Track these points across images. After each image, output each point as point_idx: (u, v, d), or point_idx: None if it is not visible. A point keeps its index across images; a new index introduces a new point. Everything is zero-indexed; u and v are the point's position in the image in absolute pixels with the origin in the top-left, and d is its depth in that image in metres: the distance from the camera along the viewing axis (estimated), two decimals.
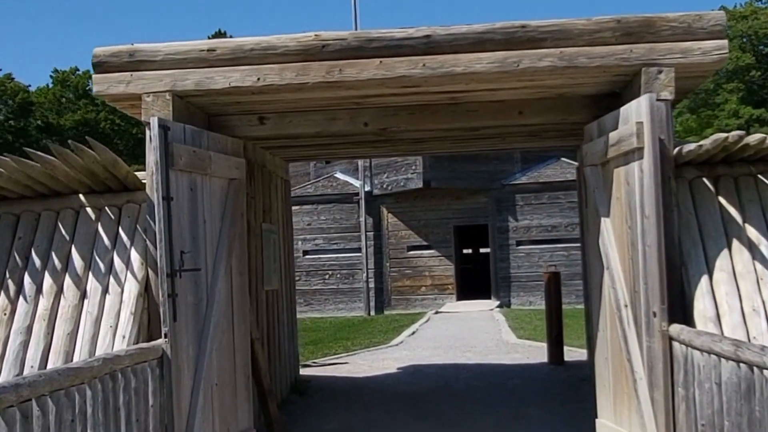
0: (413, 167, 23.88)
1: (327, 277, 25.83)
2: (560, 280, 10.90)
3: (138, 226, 6.38)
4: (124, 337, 5.91)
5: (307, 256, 26.02)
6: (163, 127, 5.85)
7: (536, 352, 12.24)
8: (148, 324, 6.16)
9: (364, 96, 6.70)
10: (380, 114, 7.16)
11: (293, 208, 26.76)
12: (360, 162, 25.26)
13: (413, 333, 16.67)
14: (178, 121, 6.17)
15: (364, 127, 7.19)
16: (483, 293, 25.58)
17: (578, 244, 24.30)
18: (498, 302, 24.32)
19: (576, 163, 24.29)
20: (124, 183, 6.43)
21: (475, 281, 27.76)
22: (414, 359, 12.09)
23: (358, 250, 25.35)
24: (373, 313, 25.00)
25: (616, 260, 6.32)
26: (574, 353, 11.60)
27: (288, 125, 7.17)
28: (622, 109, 6.13)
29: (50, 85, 52.56)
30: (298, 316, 25.86)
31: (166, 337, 5.68)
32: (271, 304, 8.78)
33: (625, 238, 6.15)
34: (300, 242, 25.85)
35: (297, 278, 26.03)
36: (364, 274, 25.11)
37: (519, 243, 24.59)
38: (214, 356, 6.23)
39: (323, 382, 10.34)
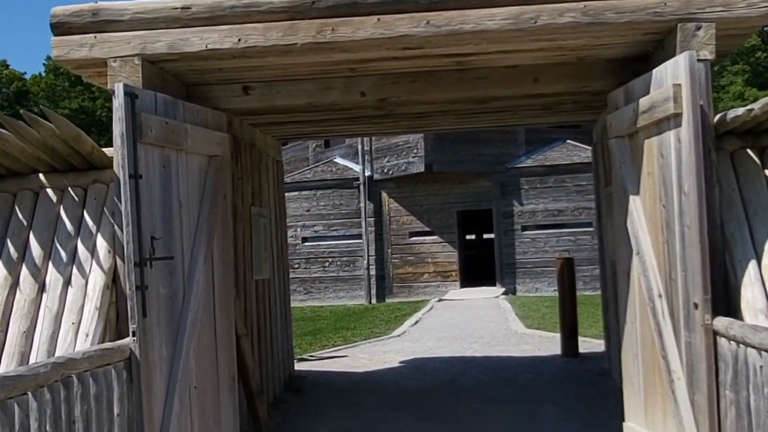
0: (414, 150, 23.13)
1: (327, 264, 25.12)
2: (573, 266, 10.15)
3: (105, 210, 5.63)
4: (87, 335, 5.18)
5: (306, 243, 25.30)
6: (130, 94, 5.09)
7: (547, 343, 11.51)
8: (116, 320, 5.42)
9: (360, 61, 5.93)
10: (379, 82, 6.39)
11: (291, 194, 26.18)
12: (360, 146, 24.51)
13: (416, 322, 15.95)
14: (150, 90, 5.42)
15: (362, 97, 6.42)
16: (487, 280, 24.86)
17: (586, 229, 23.77)
18: (503, 289, 23.61)
19: (583, 146, 23.61)
20: (90, 160, 5.68)
21: (479, 268, 27.05)
22: (417, 351, 11.37)
23: (359, 236, 24.62)
24: (374, 301, 24.30)
25: (647, 244, 5.57)
26: (588, 344, 10.89)
27: (276, 96, 6.41)
28: (655, 70, 5.37)
29: (43, 74, 51.69)
30: (298, 304, 25.28)
31: (134, 335, 4.95)
32: (262, 295, 8.04)
33: (658, 219, 5.40)
34: (299, 229, 25.15)
35: (296, 266, 25.34)
36: (365, 262, 24.39)
37: (524, 228, 23.86)
38: (192, 356, 5.50)
39: (320, 378, 9.62)
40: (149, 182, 5.20)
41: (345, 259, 24.97)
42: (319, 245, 25.19)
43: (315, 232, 25.20)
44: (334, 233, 25.08)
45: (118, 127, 5.07)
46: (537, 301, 20.49)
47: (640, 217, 5.67)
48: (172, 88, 5.98)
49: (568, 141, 24.73)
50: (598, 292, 23.22)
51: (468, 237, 27.52)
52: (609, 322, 8.87)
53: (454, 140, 23.18)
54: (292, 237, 25.28)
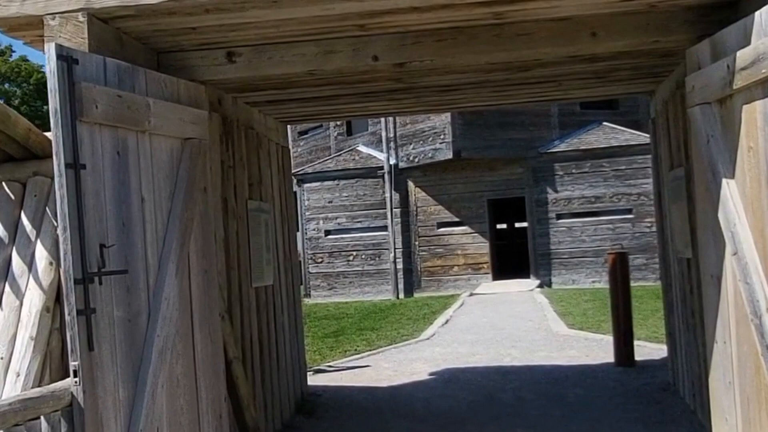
0: (442, 136, 21.81)
1: (351, 258, 23.92)
2: (628, 261, 8.80)
3: (48, 210, 4.43)
4: (18, 374, 3.99)
5: (329, 237, 24.13)
6: (66, 57, 3.86)
7: (595, 348, 10.18)
8: (61, 353, 4.23)
9: (370, 14, 4.65)
10: (396, 43, 5.10)
11: (313, 184, 24.95)
12: (383, 133, 23.25)
13: (446, 321, 14.67)
14: (100, 55, 4.19)
15: (374, 62, 5.14)
16: (521, 272, 23.52)
17: (625, 216, 22.29)
18: (537, 282, 22.26)
19: (620, 128, 22.13)
20: (28, 147, 4.47)
21: (511, 259, 25.70)
22: (449, 359, 10.09)
23: (384, 228, 23.38)
24: (401, 296, 23.06)
25: (749, 242, 4.25)
26: (643, 349, 9.54)
27: (267, 63, 5.15)
28: (759, 13, 4.04)
29: None
30: (321, 300, 24.07)
31: (75, 375, 3.74)
32: (265, 305, 6.82)
33: (765, 209, 4.09)
34: (321, 221, 23.99)
35: (319, 260, 24.17)
36: (391, 255, 23.15)
37: (559, 216, 22.48)
38: (162, 394, 4.28)
39: (338, 395, 8.38)
40: (96, 173, 3.98)
41: (370, 252, 23.75)
42: (342, 238, 24.00)
43: (338, 224, 24.01)
44: (359, 225, 23.87)
45: (51, 102, 3.85)
46: (575, 294, 19.13)
47: (737, 206, 4.35)
48: (134, 55, 4.75)
49: (605, 123, 23.30)
50: (640, 284, 22.00)
51: (498, 226, 26.16)
52: (673, 327, 7.55)
53: (484, 124, 21.85)
54: (314, 230, 24.13)
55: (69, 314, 3.76)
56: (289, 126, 8.75)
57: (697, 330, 6.05)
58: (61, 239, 3.80)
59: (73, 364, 3.75)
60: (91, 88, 3.94)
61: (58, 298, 4.23)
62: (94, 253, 3.89)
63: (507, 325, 13.57)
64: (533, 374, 8.72)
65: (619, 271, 8.70)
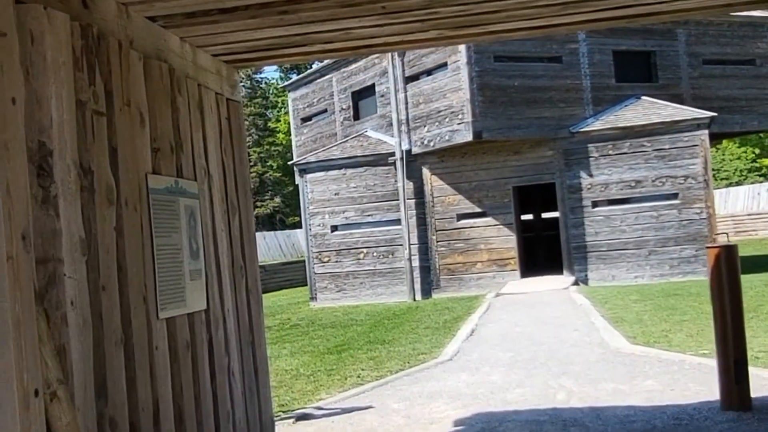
0: (460, 116, 19.16)
1: (361, 256, 21.37)
2: (736, 258, 6.12)
3: None
4: None
5: (336, 233, 21.60)
6: None
7: (678, 376, 7.51)
8: None
9: None
10: None
11: (317, 175, 22.21)
12: (394, 114, 20.63)
13: (472, 332, 12.06)
14: None
15: None
16: (552, 268, 20.91)
17: (671, 202, 19.35)
18: (572, 278, 19.63)
19: (662, 102, 19.27)
20: None
21: (541, 254, 23.07)
22: (480, 396, 7.44)
23: (398, 222, 20.82)
24: (418, 297, 20.49)
25: None
26: (754, 379, 6.81)
27: None
28: None
29: None
30: (329, 304, 21.36)
31: None
32: (187, 346, 4.20)
33: None
34: (327, 216, 21.46)
35: (326, 259, 21.58)
36: (406, 251, 20.57)
37: (595, 204, 19.83)
38: None
39: None
40: None
41: (382, 249, 21.20)
42: (351, 234, 21.48)
43: (346, 218, 21.47)
44: (369, 219, 21.33)
45: None
46: (618, 293, 16.47)
47: None
48: None
49: (644, 97, 20.61)
50: (690, 278, 19.21)
51: (526, 217, 23.51)
52: None
53: (508, 101, 19.23)
54: (319, 226, 21.60)
55: None
56: (244, 72, 6.11)
57: None
58: None
59: None
60: None
61: None
62: None
63: (547, 336, 10.93)
64: (606, 424, 6.06)
65: (726, 274, 6.01)
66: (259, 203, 53.75)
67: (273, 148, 55.37)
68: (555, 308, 14.74)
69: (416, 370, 9.12)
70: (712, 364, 7.30)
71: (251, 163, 55.54)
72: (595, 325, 11.61)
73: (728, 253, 6.04)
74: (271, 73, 61.72)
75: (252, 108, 57.30)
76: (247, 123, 56.93)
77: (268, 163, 54.16)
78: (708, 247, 6.06)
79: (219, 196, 4.93)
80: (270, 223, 53.24)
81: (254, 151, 55.32)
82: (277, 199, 53.00)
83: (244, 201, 5.40)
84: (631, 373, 7.85)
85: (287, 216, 52.67)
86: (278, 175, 54.30)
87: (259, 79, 59.91)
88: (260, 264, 26.88)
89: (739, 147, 48.73)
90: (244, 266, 5.28)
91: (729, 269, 6.04)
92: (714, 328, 6.25)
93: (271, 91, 59.94)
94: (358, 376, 9.22)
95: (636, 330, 10.72)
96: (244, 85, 59.67)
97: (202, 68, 4.91)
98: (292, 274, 31.70)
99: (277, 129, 56.62)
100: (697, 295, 14.90)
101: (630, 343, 9.58)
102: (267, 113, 58.77)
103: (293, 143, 26.55)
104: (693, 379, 7.21)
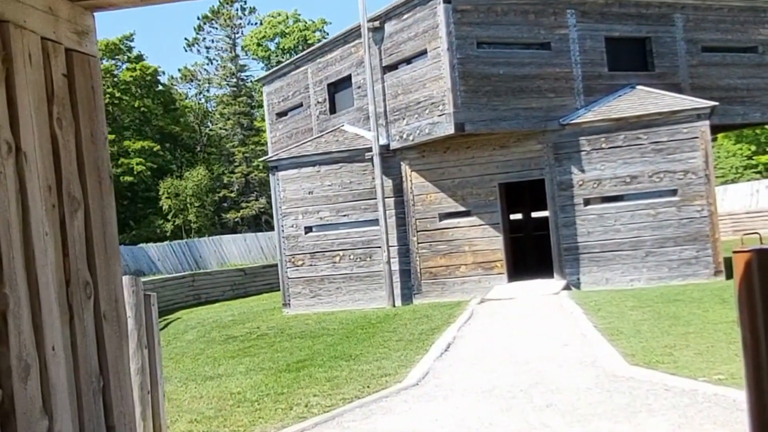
0: (440, 107, 17.67)
1: (337, 259, 19.88)
2: None
3: None
4: None
5: (310, 234, 20.11)
6: None
7: (691, 412, 6.02)
8: None
9: None
10: None
11: (289, 172, 20.58)
12: (372, 106, 19.12)
13: (447, 348, 10.57)
14: None
15: None
16: (542, 271, 19.47)
17: (670, 199, 17.68)
18: (563, 282, 18.16)
19: (658, 92, 17.69)
20: None
21: (530, 256, 21.61)
22: None
23: (376, 222, 19.35)
24: (398, 303, 19.02)
25: None
26: None
27: None
28: None
29: None
30: (303, 311, 19.76)
31: None
32: None
33: None
34: (300, 216, 19.97)
35: (299, 263, 20.09)
36: (385, 254, 19.08)
37: (587, 201, 18.38)
38: None
39: None
40: None
41: (359, 251, 19.70)
42: (326, 236, 20.00)
43: (320, 219, 19.98)
44: (345, 220, 19.84)
45: None
46: (613, 299, 15.02)
47: None
48: None
49: (639, 87, 19.17)
50: (690, 282, 17.73)
51: (513, 216, 22.06)
52: None
53: (492, 91, 17.75)
54: (292, 227, 20.10)
55: None
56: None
57: None
58: None
59: None
60: None
61: None
62: None
63: (533, 353, 9.45)
64: None
65: (760, 287, 4.55)
66: (244, 204, 52.24)
67: (258, 148, 53.82)
68: (543, 317, 13.28)
69: (373, 399, 7.61)
70: (732, 394, 5.86)
71: (236, 163, 53.92)
72: (587, 338, 10.13)
73: (764, 259, 4.54)
74: (257, 71, 60.09)
75: (237, 107, 55.84)
76: (231, 122, 55.31)
77: (254, 163, 52.63)
78: (735, 252, 4.55)
79: (41, 184, 3.41)
80: (256, 224, 51.81)
81: (239, 151, 53.92)
82: (263, 200, 51.45)
83: (96, 193, 3.86)
84: (631, 406, 6.35)
85: (273, 217, 51.16)
86: (263, 175, 52.74)
87: (245, 78, 58.41)
88: (239, 267, 25.15)
89: (734, 143, 47.39)
90: (92, 284, 3.76)
91: (763, 278, 4.54)
92: (744, 357, 4.74)
93: (256, 90, 58.39)
94: (306, 405, 7.74)
95: (635, 345, 9.24)
96: (228, 83, 58.02)
97: (16, 0, 3.39)
98: (273, 278, 30.15)
99: (262, 128, 55.08)
100: (700, 301, 13.48)
101: (628, 363, 8.09)
102: (253, 112, 57.23)
103: (268, 139, 25.02)
104: (710, 416, 5.73)
